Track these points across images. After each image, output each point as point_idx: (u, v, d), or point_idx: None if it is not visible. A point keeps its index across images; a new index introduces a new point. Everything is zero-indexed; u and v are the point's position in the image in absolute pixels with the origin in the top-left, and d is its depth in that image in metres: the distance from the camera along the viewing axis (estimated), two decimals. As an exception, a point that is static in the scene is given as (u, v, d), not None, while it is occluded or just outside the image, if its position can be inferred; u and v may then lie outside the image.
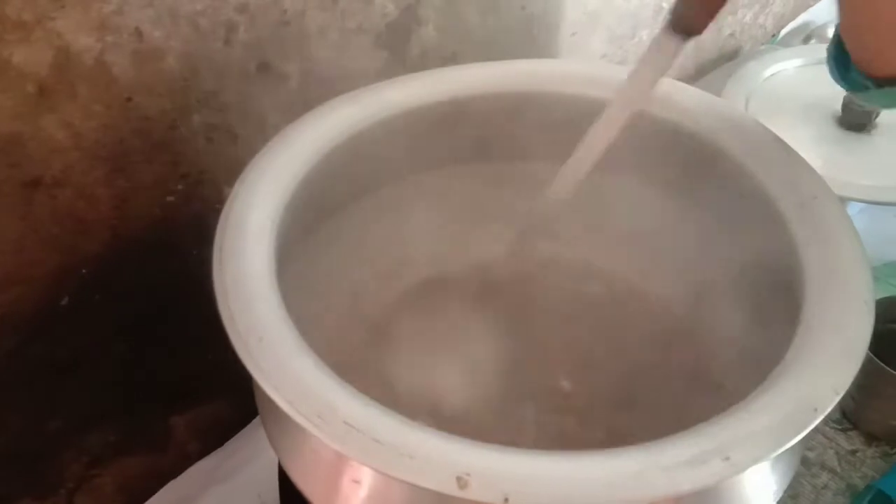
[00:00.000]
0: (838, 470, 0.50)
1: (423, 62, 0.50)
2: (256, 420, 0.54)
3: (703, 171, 0.33)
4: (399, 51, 0.48)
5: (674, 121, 0.34)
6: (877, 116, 0.65)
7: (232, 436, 0.53)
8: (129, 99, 0.38)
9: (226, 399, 0.52)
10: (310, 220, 0.34)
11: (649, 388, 0.33)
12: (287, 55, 0.43)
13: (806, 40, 0.82)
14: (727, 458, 0.20)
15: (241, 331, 0.25)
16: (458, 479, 0.20)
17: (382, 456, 0.21)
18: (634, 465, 0.20)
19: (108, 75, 0.36)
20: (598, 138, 0.32)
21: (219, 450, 0.52)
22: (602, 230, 0.37)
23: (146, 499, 0.50)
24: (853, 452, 0.51)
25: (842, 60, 0.30)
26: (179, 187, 0.42)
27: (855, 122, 0.65)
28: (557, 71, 0.39)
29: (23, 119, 0.34)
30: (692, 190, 0.34)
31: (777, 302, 0.28)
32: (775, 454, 0.21)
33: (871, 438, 0.52)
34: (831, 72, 0.32)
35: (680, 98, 0.35)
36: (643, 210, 0.36)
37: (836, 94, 0.65)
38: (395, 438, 0.22)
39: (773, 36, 0.85)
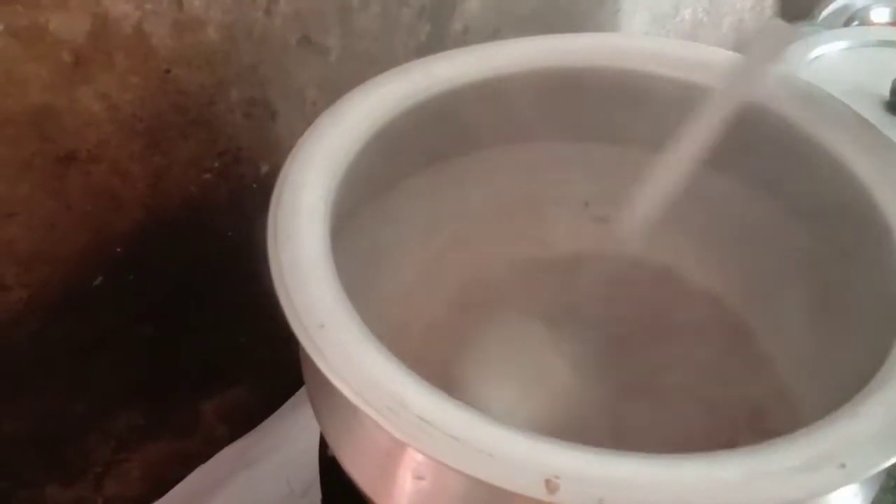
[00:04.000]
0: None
1: (466, 37, 0.48)
2: (285, 405, 0.53)
3: (779, 154, 0.31)
4: (442, 25, 0.46)
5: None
6: (925, 102, 0.63)
7: (260, 421, 0.52)
8: (167, 71, 0.36)
9: (254, 384, 0.51)
10: (360, 198, 0.32)
11: (714, 389, 0.31)
12: (328, 28, 0.41)
13: (847, 22, 0.79)
14: (842, 465, 0.19)
15: (301, 316, 0.23)
16: (548, 481, 0.19)
17: (460, 454, 0.20)
18: (739, 471, 0.19)
19: (147, 45, 0.35)
20: (699, 135, 0.28)
21: (247, 435, 0.52)
22: (665, 220, 0.35)
23: (174, 484, 0.49)
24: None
25: None
26: (216, 165, 0.40)
27: (904, 107, 0.62)
28: (615, 45, 0.37)
29: (58, 90, 0.33)
30: (766, 175, 0.32)
31: (870, 299, 0.26)
32: (894, 459, 0.19)
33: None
34: None
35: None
36: (711, 198, 0.34)
37: (883, 78, 0.64)
38: (473, 435, 0.20)
39: (814, 17, 0.83)
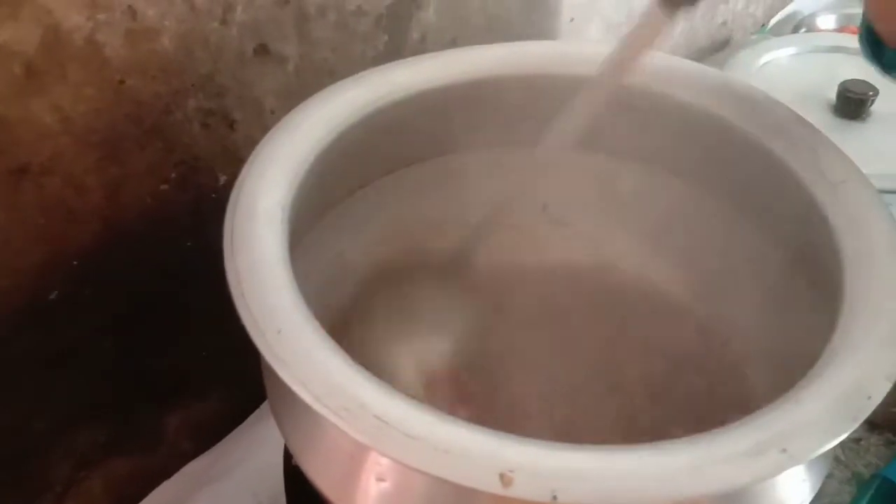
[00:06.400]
0: (842, 458, 0.50)
1: (423, 47, 0.48)
2: (250, 418, 0.52)
3: (725, 155, 0.32)
4: (399, 35, 0.47)
5: (687, 100, 0.33)
6: (871, 104, 0.65)
7: (226, 434, 0.51)
8: (121, 81, 0.36)
9: (220, 396, 0.50)
10: (318, 206, 0.32)
11: (676, 383, 0.32)
12: (285, 37, 0.41)
13: (795, 29, 0.82)
14: (784, 450, 0.20)
15: (258, 321, 0.23)
16: (502, 475, 0.19)
17: (417, 452, 0.20)
18: (687, 459, 0.20)
19: (100, 56, 0.34)
20: (579, 113, 0.31)
21: (212, 449, 0.51)
22: (619, 221, 0.36)
23: (137, 501, 0.48)
24: (857, 441, 0.51)
25: (873, 43, 0.30)
26: (173, 175, 0.40)
27: (850, 110, 0.65)
28: (569, 53, 0.38)
29: (9, 102, 0.33)
30: (713, 176, 0.33)
31: (813, 291, 0.27)
32: (832, 444, 0.20)
33: (873, 426, 0.52)
34: (865, 56, 0.31)
35: (694, 76, 0.33)
36: (662, 199, 0.35)
37: (830, 82, 0.66)
38: (430, 433, 0.20)
39: (763, 25, 0.85)
